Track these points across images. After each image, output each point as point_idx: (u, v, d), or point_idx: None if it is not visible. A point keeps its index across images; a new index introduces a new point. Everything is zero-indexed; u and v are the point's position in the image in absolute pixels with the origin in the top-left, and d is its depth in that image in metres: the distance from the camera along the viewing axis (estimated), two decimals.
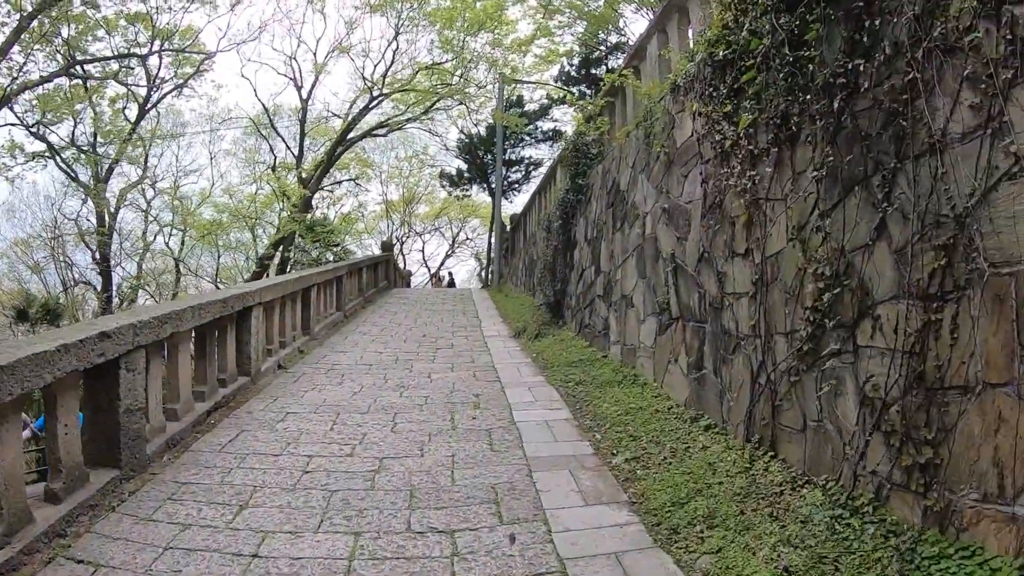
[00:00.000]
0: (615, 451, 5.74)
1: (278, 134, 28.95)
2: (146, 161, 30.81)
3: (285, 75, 28.27)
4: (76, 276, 34.12)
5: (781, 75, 4.69)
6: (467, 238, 51.34)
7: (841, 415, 4.08)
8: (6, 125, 22.68)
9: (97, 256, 28.64)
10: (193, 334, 6.97)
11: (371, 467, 5.41)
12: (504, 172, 24.62)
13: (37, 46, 21.44)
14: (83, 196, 28.99)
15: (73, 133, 27.31)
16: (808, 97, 4.39)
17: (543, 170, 29.79)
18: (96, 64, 24.44)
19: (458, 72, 23.66)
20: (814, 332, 4.32)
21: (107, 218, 27.48)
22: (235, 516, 4.41)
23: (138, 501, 4.64)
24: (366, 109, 24.22)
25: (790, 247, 4.65)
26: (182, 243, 35.73)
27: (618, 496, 4.84)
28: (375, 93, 23.52)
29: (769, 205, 4.94)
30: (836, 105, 4.12)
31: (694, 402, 6.30)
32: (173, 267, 35.34)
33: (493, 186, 28.49)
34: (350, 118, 24.20)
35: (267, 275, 25.73)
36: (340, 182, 31.64)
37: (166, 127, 37.93)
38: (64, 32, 21.42)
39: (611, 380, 7.94)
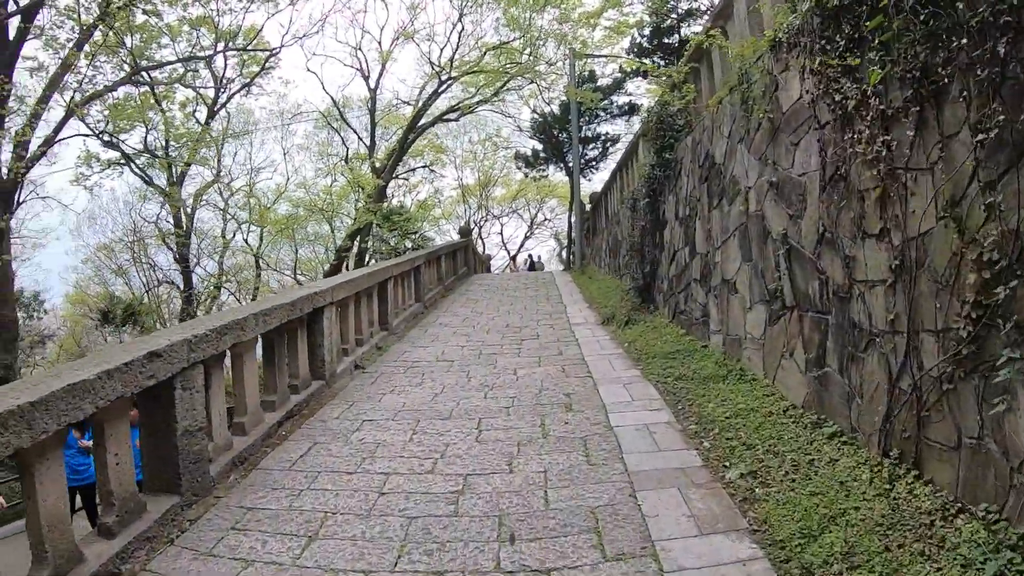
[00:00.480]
0: (727, 463, 5.06)
1: (348, 125, 29.05)
2: (219, 161, 31.37)
3: (352, 66, 28.16)
4: (160, 277, 35.47)
5: (920, 17, 3.87)
6: (545, 219, 50.76)
7: (1011, 434, 3.29)
8: (76, 135, 23.21)
9: (177, 257, 29.46)
10: (260, 340, 6.65)
11: (454, 487, 4.92)
12: (580, 150, 23.82)
13: (103, 57, 21.93)
14: (161, 200, 29.91)
15: (145, 139, 27.91)
16: (959, 42, 3.57)
17: (620, 147, 28.84)
18: (163, 70, 24.93)
19: (526, 51, 22.92)
20: (977, 333, 3.53)
21: (184, 219, 28.12)
22: (303, 550, 4.00)
23: (199, 531, 4.30)
24: (435, 94, 23.84)
25: (941, 226, 3.84)
26: (260, 239, 36.48)
27: (737, 522, 4.18)
28: (443, 77, 23.09)
29: (910, 176, 4.13)
30: (1001, 50, 3.30)
31: (814, 404, 5.54)
32: (253, 263, 36.11)
33: (570, 165, 27.73)
34: (420, 104, 23.90)
35: (345, 267, 25.89)
36: (414, 169, 31.53)
37: (237, 127, 38.90)
38: (128, 42, 21.72)
39: (714, 375, 7.21)
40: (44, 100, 17.86)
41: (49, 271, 56.09)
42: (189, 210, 31.03)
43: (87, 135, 22.83)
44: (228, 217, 33.82)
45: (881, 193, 4.43)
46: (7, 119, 17.25)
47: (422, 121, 25.18)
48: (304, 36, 27.91)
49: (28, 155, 17.64)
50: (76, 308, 39.65)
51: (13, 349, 17.39)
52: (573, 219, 25.32)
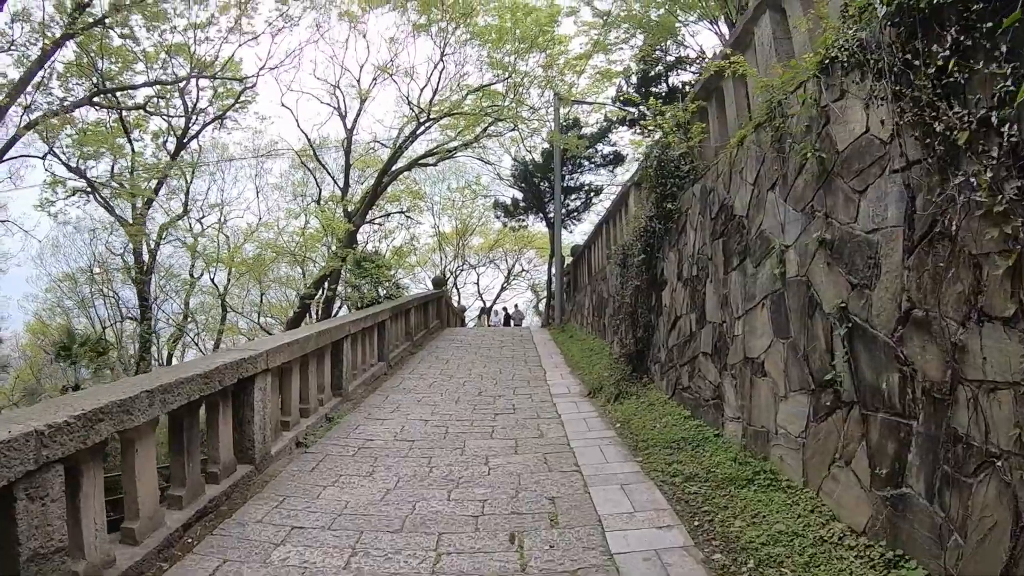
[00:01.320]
0: None
1: (322, 165, 27.75)
2: (187, 195, 30.04)
3: (329, 104, 26.86)
4: (124, 312, 33.79)
5: None
6: (523, 270, 49.69)
7: None
8: (21, 156, 21.88)
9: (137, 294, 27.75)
10: (164, 420, 5.12)
11: None
12: (562, 199, 22.66)
13: (76, 80, 20.84)
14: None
15: (112, 168, 26.70)
16: None
17: (604, 197, 27.85)
18: (133, 96, 23.65)
19: (509, 94, 21.94)
20: None
21: (146, 254, 26.47)
22: None
23: None
24: (413, 136, 22.67)
25: None
26: (228, 279, 34.92)
27: None
28: (422, 119, 21.94)
29: None
30: None
31: (884, 533, 4.12)
32: (219, 304, 34.45)
33: (551, 216, 26.58)
34: (396, 146, 22.67)
35: (309, 316, 24.32)
36: (389, 214, 30.20)
37: (211, 162, 37.56)
38: (101, 65, 20.51)
39: (736, 476, 5.76)
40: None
41: (8, 298, 53.89)
42: (152, 244, 29.53)
43: (32, 155, 21.36)
44: (196, 254, 32.12)
45: (1016, 261, 3.09)
46: None
47: (398, 164, 23.95)
48: (278, 67, 26.12)
49: None
50: (37, 339, 37.79)
51: None
52: (553, 272, 24.05)
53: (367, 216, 23.81)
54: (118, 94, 21.96)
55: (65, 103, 20.62)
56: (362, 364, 11.47)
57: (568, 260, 22.31)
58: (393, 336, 14.08)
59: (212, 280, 34.25)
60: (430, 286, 23.42)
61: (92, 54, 20.21)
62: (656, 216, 9.40)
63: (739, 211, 6.57)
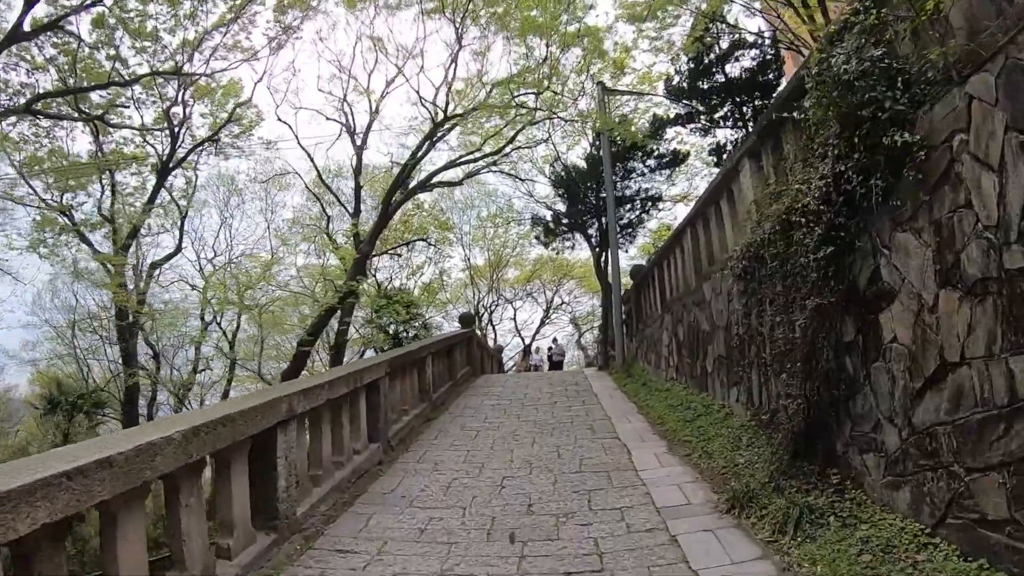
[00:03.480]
0: None
1: (329, 189, 23.80)
2: (181, 230, 26.38)
3: (336, 120, 22.97)
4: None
5: None
6: (562, 302, 45.33)
7: None
8: None
9: (120, 343, 23.91)
10: None
11: None
12: (615, 209, 18.19)
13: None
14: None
15: (100, 202, 23.23)
16: None
17: (664, 211, 23.33)
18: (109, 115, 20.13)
19: (544, 84, 17.74)
20: None
21: (133, 299, 22.62)
22: None
23: None
24: (429, 143, 18.51)
25: None
26: (236, 326, 31.20)
27: None
28: (438, 118, 17.79)
29: None
30: None
31: None
32: (228, 355, 30.69)
33: (592, 233, 22.16)
34: (416, 155, 18.53)
35: (306, 370, 20.11)
36: (410, 242, 26.13)
37: (217, 195, 34.09)
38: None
39: None
40: None
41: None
42: (141, 286, 25.86)
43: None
44: (206, 300, 28.21)
45: None
46: None
47: (413, 181, 19.79)
48: (276, 74, 22.14)
49: None
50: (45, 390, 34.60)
51: None
52: (612, 301, 19.45)
53: (377, 242, 19.56)
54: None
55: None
56: (333, 456, 7.09)
57: (623, 285, 17.83)
58: (397, 399, 9.71)
59: (218, 323, 30.38)
60: (457, 326, 19.02)
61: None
62: (856, 166, 4.85)
63: None
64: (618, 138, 20.71)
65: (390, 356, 9.31)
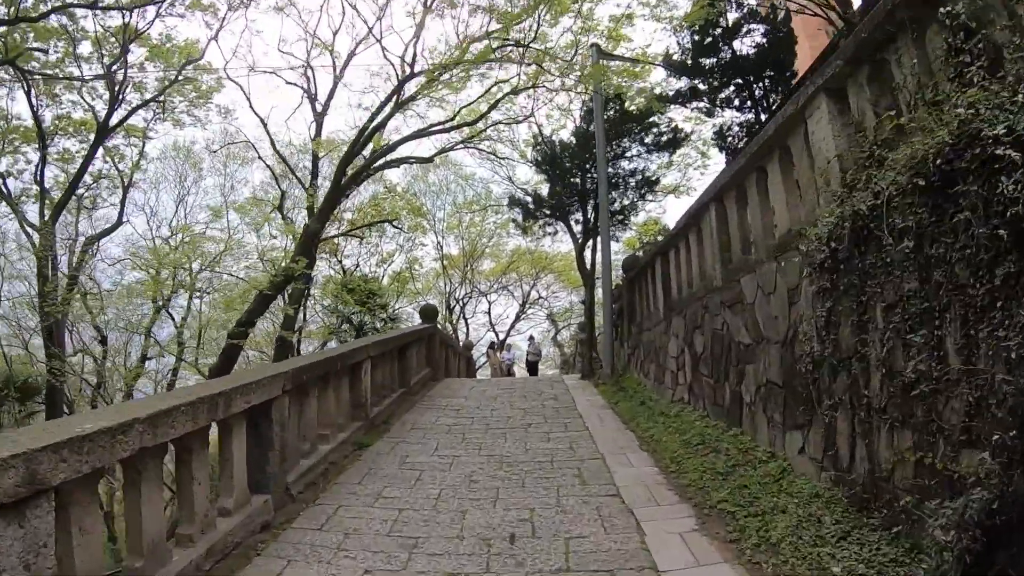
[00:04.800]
0: None
1: (282, 158, 20.75)
2: (123, 202, 23.32)
3: (297, 84, 20.10)
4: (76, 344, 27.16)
5: None
6: (539, 296, 42.70)
7: None
8: None
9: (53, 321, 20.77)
10: None
11: None
12: (606, 194, 15.41)
13: None
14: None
15: (36, 172, 20.18)
16: None
17: (662, 193, 20.60)
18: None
19: (531, 37, 14.97)
20: None
21: (51, 265, 19.63)
22: None
23: None
24: (394, 104, 15.58)
25: None
26: (187, 309, 28.24)
27: None
28: (404, 73, 14.92)
29: None
30: None
31: None
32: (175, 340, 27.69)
33: (576, 220, 19.41)
34: (375, 116, 15.63)
35: (245, 361, 17.21)
36: (373, 224, 23.27)
37: (173, 169, 31.14)
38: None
39: None
40: None
41: None
42: (76, 260, 22.82)
43: None
44: (155, 281, 25.09)
45: None
46: None
47: (370, 149, 16.86)
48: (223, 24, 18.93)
49: None
50: None
51: None
52: (599, 297, 16.73)
53: (331, 220, 16.65)
54: None
55: None
56: (182, 527, 4.33)
57: (615, 281, 15.11)
58: (312, 422, 6.95)
59: (166, 311, 27.27)
60: (417, 320, 16.21)
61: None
62: None
63: None
64: (611, 111, 18.05)
65: (297, 365, 6.49)
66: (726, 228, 8.19)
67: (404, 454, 7.73)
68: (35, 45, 15.91)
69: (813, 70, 22.58)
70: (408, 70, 14.96)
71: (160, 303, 25.97)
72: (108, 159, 21.99)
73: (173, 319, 27.88)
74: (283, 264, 16.08)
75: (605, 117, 15.94)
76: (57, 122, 20.46)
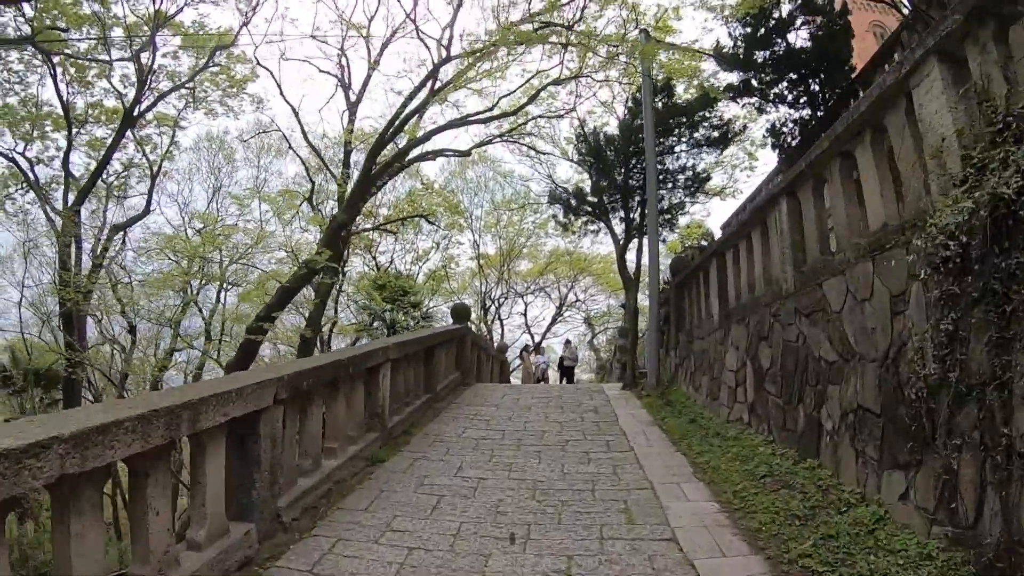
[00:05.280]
0: None
1: (313, 149, 20.02)
2: (151, 192, 22.86)
3: (330, 72, 19.39)
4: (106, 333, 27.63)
5: None
6: (576, 299, 41.66)
7: None
8: None
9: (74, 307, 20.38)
10: None
11: None
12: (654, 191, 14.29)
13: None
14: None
15: (65, 158, 19.78)
16: None
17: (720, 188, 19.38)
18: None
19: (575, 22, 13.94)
20: None
21: (77, 252, 19.29)
22: None
23: None
24: (429, 90, 14.67)
25: None
26: (216, 299, 27.99)
27: None
28: (440, 57, 14.00)
29: None
30: None
31: None
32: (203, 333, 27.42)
33: (618, 221, 18.28)
34: (407, 104, 14.75)
35: (256, 362, 16.44)
36: (405, 218, 22.46)
37: (206, 160, 30.98)
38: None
39: None
40: None
41: None
42: (100, 249, 22.44)
43: None
44: (188, 270, 24.67)
45: None
46: None
47: (404, 138, 16.01)
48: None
49: None
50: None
51: None
52: (646, 300, 15.59)
53: (356, 207, 15.78)
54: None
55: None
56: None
57: (663, 284, 13.97)
58: (313, 437, 6.04)
59: (195, 302, 26.90)
60: (450, 320, 15.29)
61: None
62: None
63: None
64: (659, 103, 16.92)
65: (296, 369, 5.53)
66: (799, 225, 7.07)
67: (423, 474, 6.76)
68: (59, 25, 15.29)
69: (872, 66, 21.22)
70: (445, 53, 14.05)
71: (187, 296, 25.66)
72: (139, 147, 21.58)
73: (201, 312, 27.60)
74: (310, 257, 15.30)
75: (652, 108, 14.85)
76: (90, 110, 20.06)
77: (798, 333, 6.55)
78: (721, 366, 9.21)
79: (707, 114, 16.81)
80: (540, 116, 18.94)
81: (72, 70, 18.36)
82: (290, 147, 21.37)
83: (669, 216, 17.32)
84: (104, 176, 21.29)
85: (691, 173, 17.02)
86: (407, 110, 14.60)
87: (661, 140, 16.36)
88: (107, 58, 17.88)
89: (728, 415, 8.62)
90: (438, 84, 14.85)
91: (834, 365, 5.71)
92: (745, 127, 17.66)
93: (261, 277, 17.71)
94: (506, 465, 7.13)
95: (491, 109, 17.02)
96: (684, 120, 16.93)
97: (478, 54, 13.77)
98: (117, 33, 17.64)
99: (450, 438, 8.46)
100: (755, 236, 8.45)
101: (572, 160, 20.06)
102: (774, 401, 7.07)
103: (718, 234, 31.61)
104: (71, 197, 19.98)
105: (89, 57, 16.83)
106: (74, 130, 19.37)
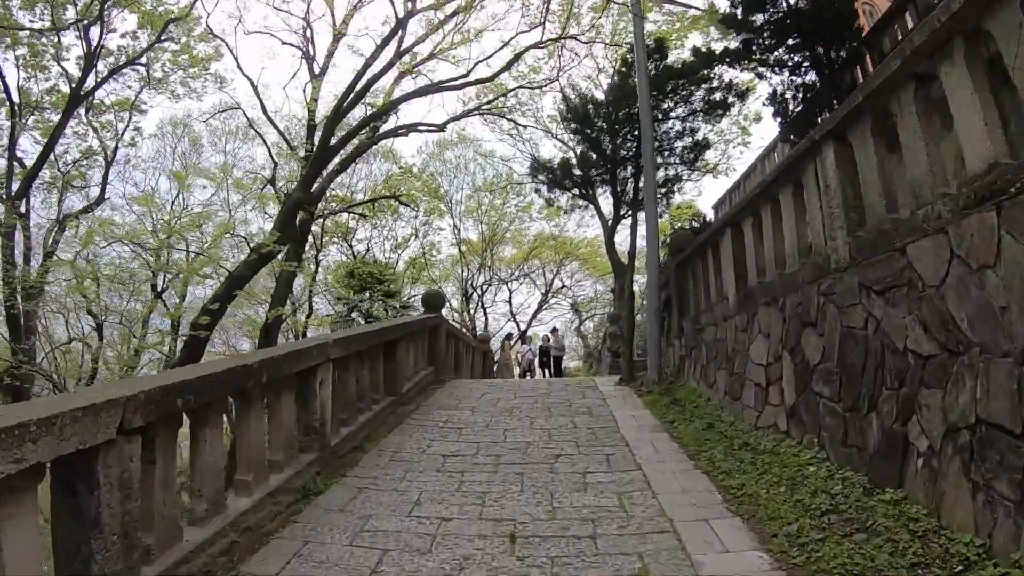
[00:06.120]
0: None
1: (272, 124, 18.23)
2: (105, 179, 20.99)
3: (292, 44, 17.68)
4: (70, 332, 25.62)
5: None
6: (563, 285, 40.12)
7: None
8: None
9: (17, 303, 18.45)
10: None
11: None
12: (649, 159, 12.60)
13: None
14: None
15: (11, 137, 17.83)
16: None
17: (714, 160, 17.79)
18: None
19: None
20: None
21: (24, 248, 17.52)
22: None
23: None
24: (396, 49, 12.88)
25: None
26: (183, 296, 26.12)
27: None
28: (406, 10, 12.22)
29: None
30: None
31: None
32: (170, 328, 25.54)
33: (607, 200, 16.65)
34: (368, 66, 12.97)
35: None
36: (374, 200, 20.71)
37: (171, 146, 29.24)
38: None
39: None
40: None
41: None
42: (50, 240, 20.55)
43: None
44: (156, 265, 22.69)
45: None
46: None
47: (366, 102, 14.21)
48: None
49: None
50: None
51: None
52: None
53: (313, 182, 13.96)
54: None
55: None
56: None
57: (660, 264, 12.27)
58: (208, 469, 4.33)
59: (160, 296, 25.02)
60: (421, 309, 13.59)
61: None
62: None
63: None
64: (652, 66, 15.30)
65: (157, 384, 3.77)
66: (853, 177, 5.42)
67: (367, 512, 5.08)
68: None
69: (882, 25, 19.67)
70: (411, 5, 12.23)
71: (152, 297, 23.87)
72: (96, 135, 19.75)
73: (166, 306, 25.75)
74: (261, 242, 13.51)
75: (645, 51, 13.23)
76: (44, 96, 18.30)
77: (866, 317, 4.89)
78: (744, 359, 7.56)
79: (708, 74, 15.13)
80: (521, 87, 17.29)
81: (22, 50, 16.58)
82: (250, 124, 19.50)
83: (665, 190, 15.65)
84: (60, 166, 19.62)
85: (690, 140, 15.33)
86: (369, 71, 12.81)
87: (657, 104, 14.69)
88: (56, 39, 16.19)
89: (756, 420, 6.97)
90: (405, 44, 13.06)
91: (931, 361, 4.06)
92: (748, 90, 16.01)
93: (199, 261, 15.88)
94: (478, 496, 5.45)
95: (466, 76, 15.27)
96: (682, 81, 15.25)
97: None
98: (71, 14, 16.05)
99: (411, 455, 6.78)
100: (784, 198, 6.81)
101: (556, 137, 18.43)
102: (828, 406, 5.41)
103: (710, 215, 30.05)
104: (16, 187, 18.12)
105: (29, 28, 14.89)
106: (30, 116, 17.67)
